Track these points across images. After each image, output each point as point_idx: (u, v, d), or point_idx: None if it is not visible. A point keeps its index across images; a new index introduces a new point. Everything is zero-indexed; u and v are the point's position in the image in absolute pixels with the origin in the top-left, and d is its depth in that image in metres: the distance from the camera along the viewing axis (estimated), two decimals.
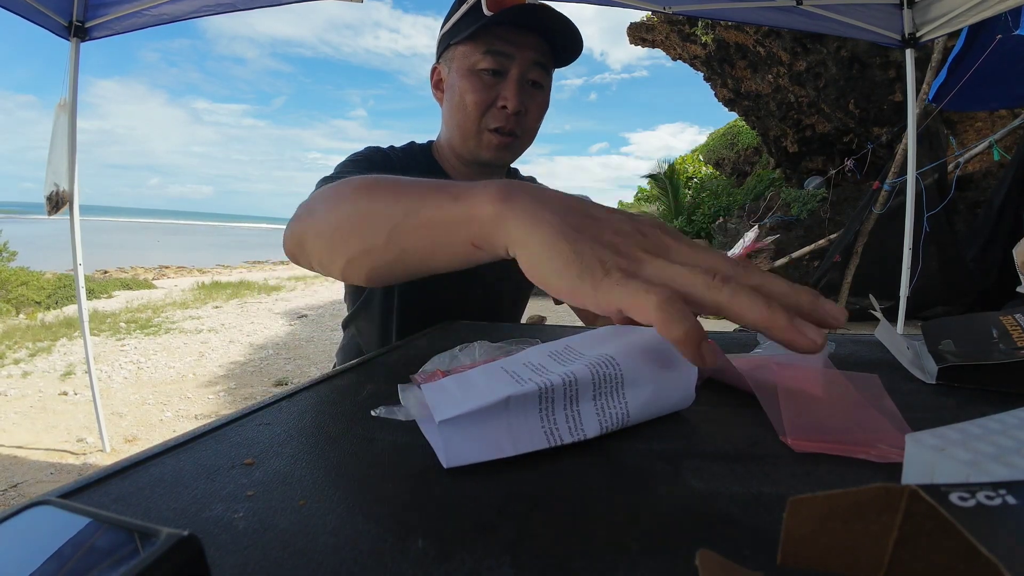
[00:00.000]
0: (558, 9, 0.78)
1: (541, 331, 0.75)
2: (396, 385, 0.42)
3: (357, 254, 0.47)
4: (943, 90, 3.22)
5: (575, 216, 0.32)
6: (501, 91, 0.79)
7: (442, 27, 0.86)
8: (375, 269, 0.48)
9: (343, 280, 0.56)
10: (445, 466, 0.29)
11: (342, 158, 0.87)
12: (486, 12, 0.74)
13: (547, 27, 0.78)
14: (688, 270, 0.29)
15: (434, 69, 0.89)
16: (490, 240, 0.36)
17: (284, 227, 0.57)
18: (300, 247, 0.54)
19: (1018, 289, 1.33)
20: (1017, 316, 0.50)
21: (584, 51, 0.83)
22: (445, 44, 0.84)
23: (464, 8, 0.79)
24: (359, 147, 0.89)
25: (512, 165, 1.01)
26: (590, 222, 0.32)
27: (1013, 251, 1.40)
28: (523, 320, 1.08)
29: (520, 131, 0.83)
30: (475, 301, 0.91)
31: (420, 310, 0.86)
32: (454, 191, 0.39)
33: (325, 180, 0.68)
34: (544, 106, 0.85)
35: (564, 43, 0.81)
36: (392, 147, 0.91)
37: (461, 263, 0.41)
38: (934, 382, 0.47)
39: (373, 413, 0.37)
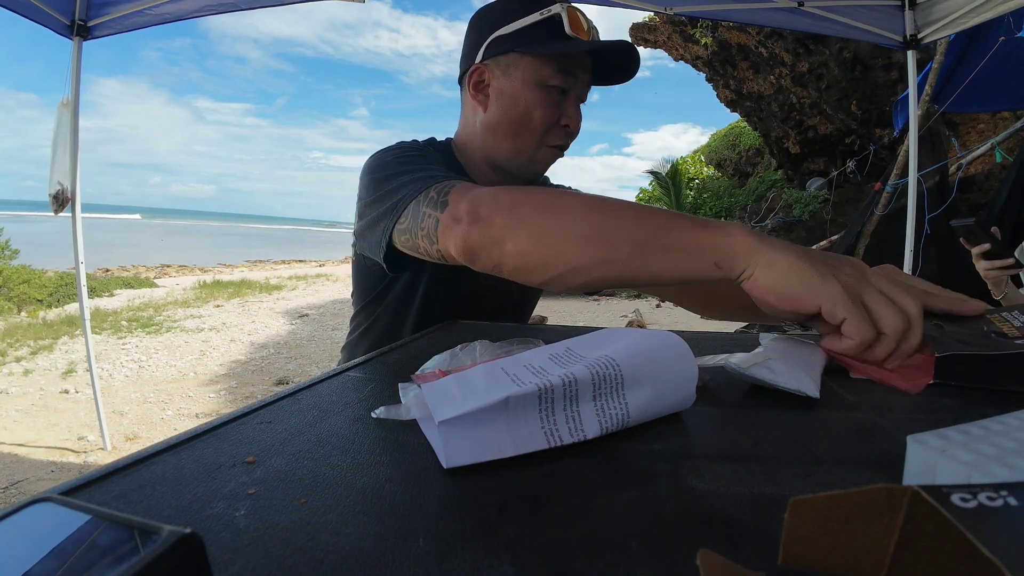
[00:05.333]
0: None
1: (541, 331, 0.75)
2: (397, 384, 0.42)
3: (591, 264, 0.51)
4: (945, 91, 3.22)
5: (810, 254, 0.46)
6: (565, 110, 0.80)
7: (493, 26, 0.80)
8: (601, 279, 0.53)
9: (543, 285, 0.57)
10: (445, 466, 0.29)
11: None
12: (569, 32, 0.75)
13: (614, 56, 0.79)
14: (891, 313, 0.43)
15: (476, 69, 0.81)
16: (734, 264, 0.47)
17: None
18: (496, 247, 0.55)
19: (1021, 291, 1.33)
20: (1003, 314, 0.50)
21: None
22: (504, 48, 0.78)
23: (536, 17, 0.76)
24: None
25: None
26: (822, 258, 0.46)
27: (1015, 253, 1.41)
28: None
29: (567, 145, 0.85)
30: (491, 299, 0.93)
31: (440, 306, 0.87)
32: (701, 222, 0.50)
33: (419, 179, 0.66)
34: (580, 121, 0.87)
35: (618, 71, 0.83)
36: (415, 141, 0.87)
37: (692, 280, 0.50)
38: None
39: (374, 415, 0.37)
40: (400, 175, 0.69)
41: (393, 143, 0.81)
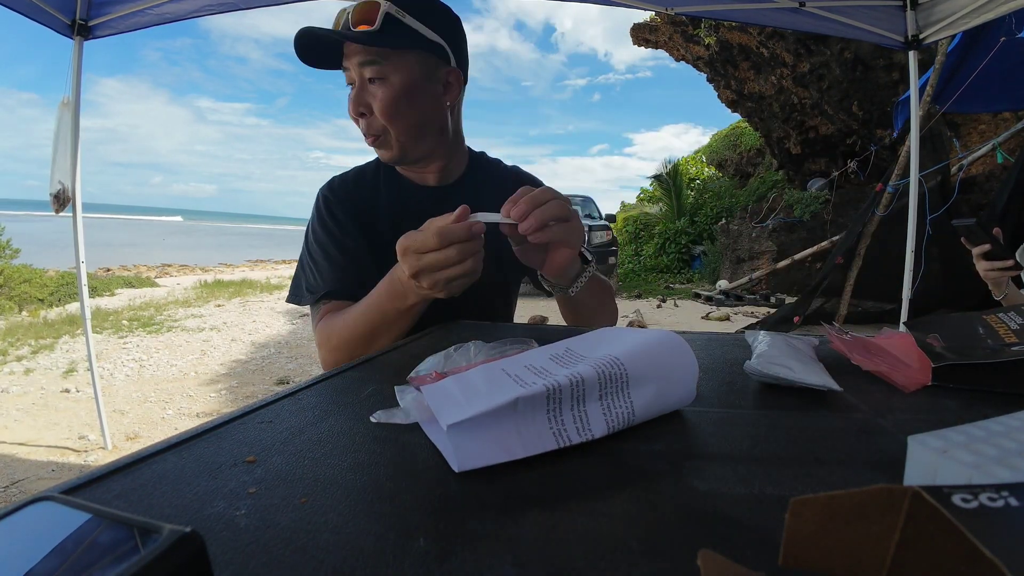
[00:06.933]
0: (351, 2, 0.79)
1: (536, 331, 0.75)
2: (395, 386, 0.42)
3: (356, 345, 0.76)
4: (946, 92, 3.22)
5: (395, 263, 0.66)
6: None
7: None
8: (362, 349, 0.76)
9: (348, 358, 0.79)
10: (456, 470, 0.29)
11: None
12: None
13: (344, 33, 0.79)
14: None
15: None
16: (420, 301, 0.70)
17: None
18: (335, 362, 0.80)
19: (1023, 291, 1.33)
20: (1000, 315, 0.51)
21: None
22: None
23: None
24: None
25: (505, 161, 1.04)
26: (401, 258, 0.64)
27: (1016, 254, 1.41)
28: (523, 320, 1.08)
29: (378, 130, 0.83)
30: (470, 298, 0.91)
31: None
32: (382, 303, 0.73)
33: (306, 290, 0.88)
34: (389, 96, 0.81)
35: (377, 26, 0.78)
36: (347, 172, 0.96)
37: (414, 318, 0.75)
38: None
39: (373, 419, 0.37)
40: (302, 266, 0.90)
41: (315, 203, 0.92)
